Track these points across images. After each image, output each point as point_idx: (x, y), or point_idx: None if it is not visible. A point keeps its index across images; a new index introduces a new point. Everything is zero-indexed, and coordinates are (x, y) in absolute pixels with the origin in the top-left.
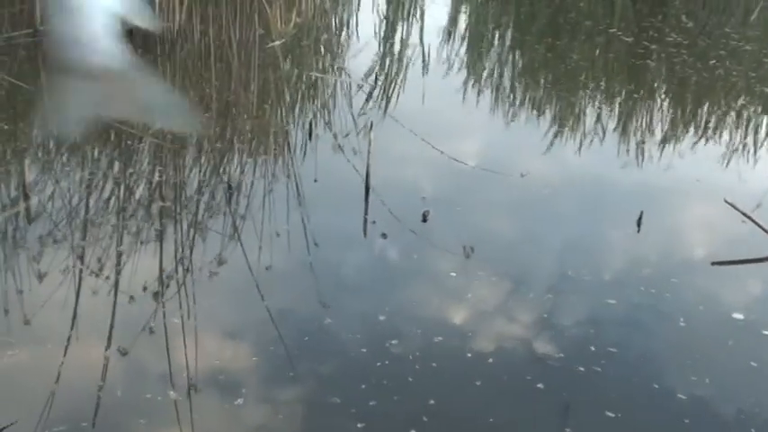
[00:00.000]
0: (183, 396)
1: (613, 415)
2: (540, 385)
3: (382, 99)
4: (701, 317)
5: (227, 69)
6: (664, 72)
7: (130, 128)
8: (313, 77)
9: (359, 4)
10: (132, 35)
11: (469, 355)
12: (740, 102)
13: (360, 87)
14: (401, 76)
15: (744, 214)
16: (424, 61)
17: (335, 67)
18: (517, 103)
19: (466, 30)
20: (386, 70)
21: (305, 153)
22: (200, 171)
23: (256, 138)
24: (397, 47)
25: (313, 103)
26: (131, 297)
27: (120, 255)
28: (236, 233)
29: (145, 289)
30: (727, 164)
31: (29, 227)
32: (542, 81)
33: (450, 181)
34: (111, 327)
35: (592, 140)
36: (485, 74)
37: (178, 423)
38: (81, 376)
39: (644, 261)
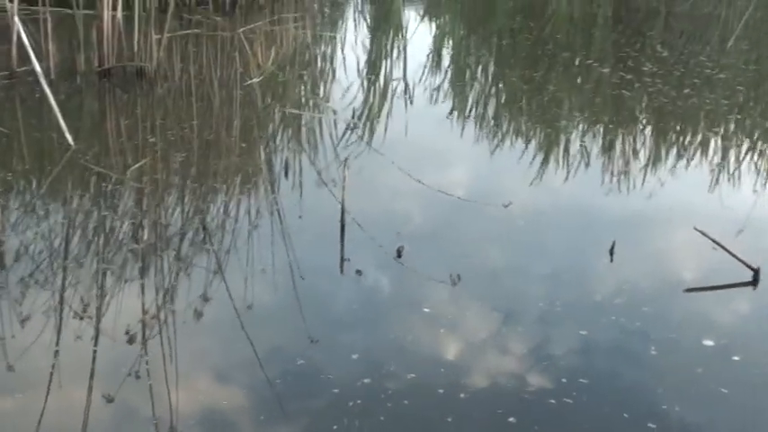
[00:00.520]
0: None
1: None
2: (511, 419)
3: (363, 133)
4: (671, 345)
5: (207, 107)
6: (639, 102)
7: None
8: (288, 113)
9: (343, 39)
10: (110, 73)
11: (441, 390)
12: (714, 130)
13: (340, 122)
14: (383, 109)
15: (714, 241)
16: (406, 94)
17: (315, 103)
18: (497, 134)
19: (448, 63)
20: (368, 104)
21: (283, 190)
22: (180, 210)
23: (234, 176)
24: (379, 81)
25: (292, 139)
26: (114, 340)
27: (102, 297)
28: (215, 272)
29: (127, 332)
30: (702, 191)
31: (7, 271)
32: (520, 113)
33: (429, 213)
34: (93, 371)
35: (569, 171)
36: (466, 106)
37: None
38: (64, 422)
39: (616, 290)
